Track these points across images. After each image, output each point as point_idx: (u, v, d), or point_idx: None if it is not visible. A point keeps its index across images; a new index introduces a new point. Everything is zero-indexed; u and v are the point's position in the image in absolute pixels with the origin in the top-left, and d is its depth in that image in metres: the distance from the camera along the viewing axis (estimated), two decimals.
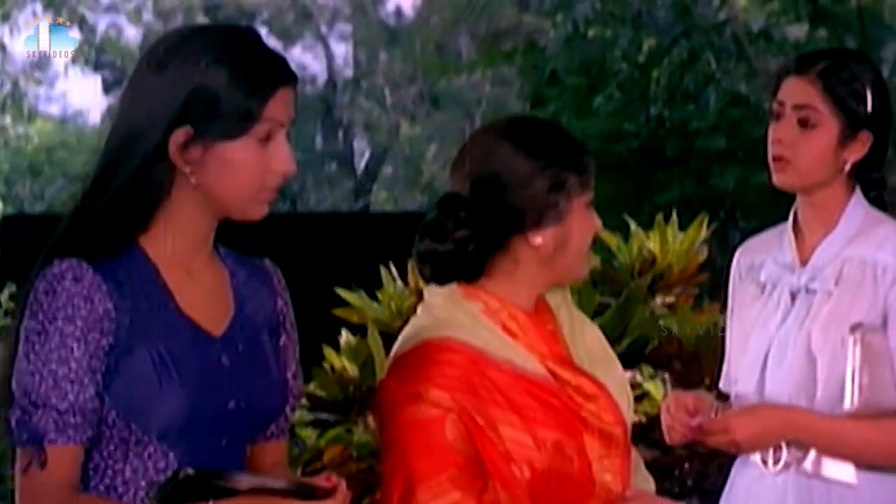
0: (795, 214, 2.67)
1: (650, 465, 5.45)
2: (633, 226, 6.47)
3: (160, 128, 1.95)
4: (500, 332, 2.21)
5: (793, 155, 2.57)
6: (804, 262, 2.61)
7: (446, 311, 2.22)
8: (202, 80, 1.94)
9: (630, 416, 2.34)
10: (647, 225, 6.48)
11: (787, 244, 2.65)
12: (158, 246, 2.00)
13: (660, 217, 6.36)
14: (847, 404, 2.49)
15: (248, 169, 1.98)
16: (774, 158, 2.59)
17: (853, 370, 2.48)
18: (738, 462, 2.69)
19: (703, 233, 6.38)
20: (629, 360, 5.37)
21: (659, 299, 6.15)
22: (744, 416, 2.51)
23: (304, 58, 28.17)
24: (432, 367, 2.15)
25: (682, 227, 6.38)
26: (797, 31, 12.73)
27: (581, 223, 2.26)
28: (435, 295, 2.26)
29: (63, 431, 1.92)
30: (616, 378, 2.36)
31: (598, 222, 2.30)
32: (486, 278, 2.25)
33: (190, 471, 1.87)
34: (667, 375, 5.48)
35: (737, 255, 2.76)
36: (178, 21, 26.39)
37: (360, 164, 26.14)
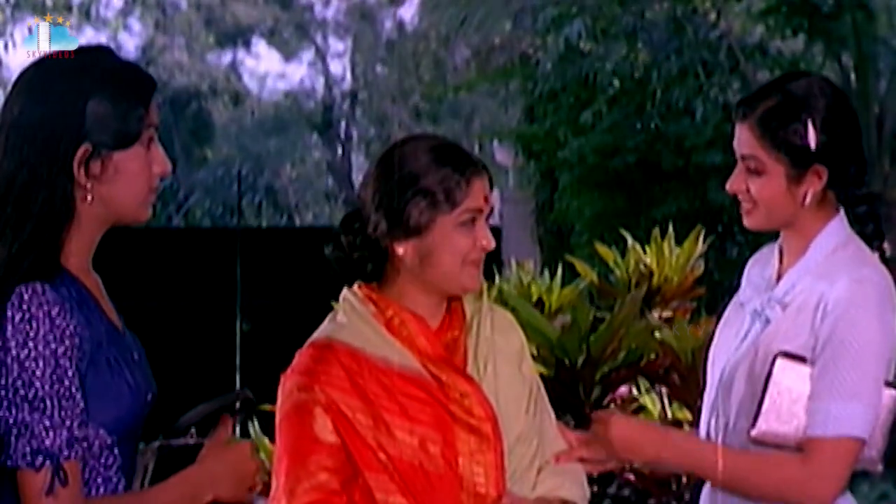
0: (782, 236, 2.69)
1: (647, 479, 5.46)
2: (629, 240, 6.49)
3: (61, 151, 2.09)
4: (383, 331, 2.41)
5: (751, 201, 2.59)
6: (777, 284, 2.62)
7: (343, 315, 2.45)
8: (92, 102, 2.10)
9: (527, 419, 2.47)
10: (643, 239, 6.49)
11: (771, 263, 2.66)
12: (72, 260, 2.12)
13: (656, 231, 6.37)
14: (752, 430, 2.49)
15: (140, 174, 2.16)
16: (741, 204, 2.62)
17: (766, 397, 2.47)
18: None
19: (700, 247, 6.39)
20: (625, 373, 5.38)
21: (656, 313, 6.15)
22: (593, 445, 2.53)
23: (302, 72, 28.20)
24: (311, 365, 2.39)
25: (679, 241, 6.39)
26: (793, 46, 12.76)
27: (447, 240, 2.39)
28: (343, 299, 2.48)
29: (73, 446, 2.03)
30: (517, 386, 2.49)
31: (483, 241, 2.41)
32: (383, 283, 2.46)
33: (155, 444, 2.17)
34: (664, 390, 5.49)
35: (745, 269, 2.77)
36: (179, 34, 26.43)
37: (358, 179, 26.15)
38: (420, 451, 2.35)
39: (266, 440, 5.67)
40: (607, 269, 6.62)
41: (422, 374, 2.40)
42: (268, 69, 28.74)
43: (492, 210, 2.46)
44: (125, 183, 2.13)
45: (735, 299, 2.71)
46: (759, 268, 2.70)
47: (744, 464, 2.48)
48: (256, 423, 5.68)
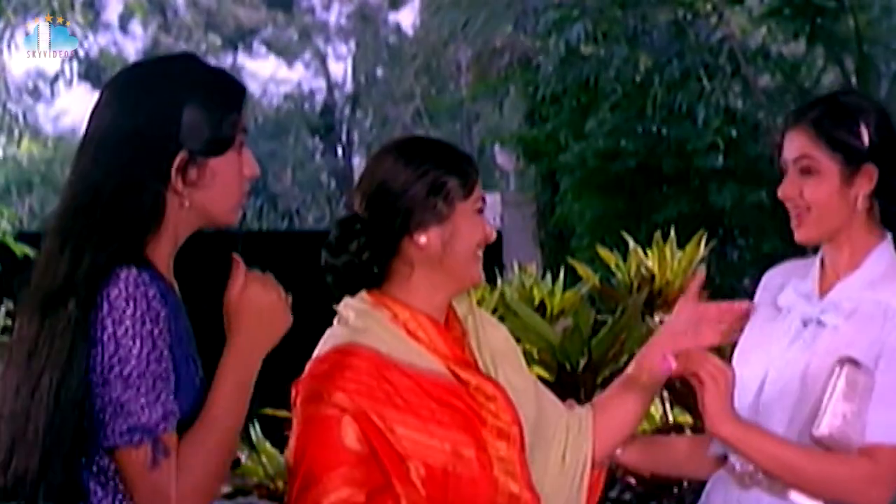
0: (823, 252, 2.72)
1: (648, 482, 5.46)
2: (631, 244, 6.49)
3: (159, 160, 2.10)
4: (404, 336, 2.37)
5: (804, 206, 2.62)
6: (822, 295, 2.65)
7: (357, 320, 2.39)
8: (187, 110, 2.12)
9: (536, 406, 2.49)
10: (645, 243, 6.49)
11: (811, 275, 2.69)
12: (157, 257, 2.13)
13: (658, 235, 6.38)
14: (815, 430, 2.50)
15: (235, 178, 2.18)
16: (792, 214, 2.65)
17: (830, 399, 2.50)
18: (713, 478, 2.70)
19: (702, 250, 6.40)
20: None
21: (657, 316, 6.15)
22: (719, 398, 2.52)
23: (303, 75, 28.21)
24: (336, 371, 2.30)
25: (681, 244, 6.40)
26: (795, 49, 12.75)
27: (466, 226, 2.40)
28: (347, 307, 2.43)
29: (168, 419, 2.04)
30: (523, 377, 2.52)
31: (488, 230, 2.44)
32: (389, 285, 2.41)
33: None
34: (665, 394, 5.48)
35: (764, 277, 2.80)
36: (180, 37, 26.44)
37: None
38: (453, 457, 2.31)
39: (267, 444, 5.66)
40: (609, 273, 6.63)
41: (449, 378, 2.37)
42: (269, 73, 28.75)
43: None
44: (220, 188, 2.15)
45: (764, 302, 2.72)
46: (791, 276, 2.73)
47: (811, 458, 2.51)
48: (258, 426, 5.67)
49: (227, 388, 2.11)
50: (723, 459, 2.66)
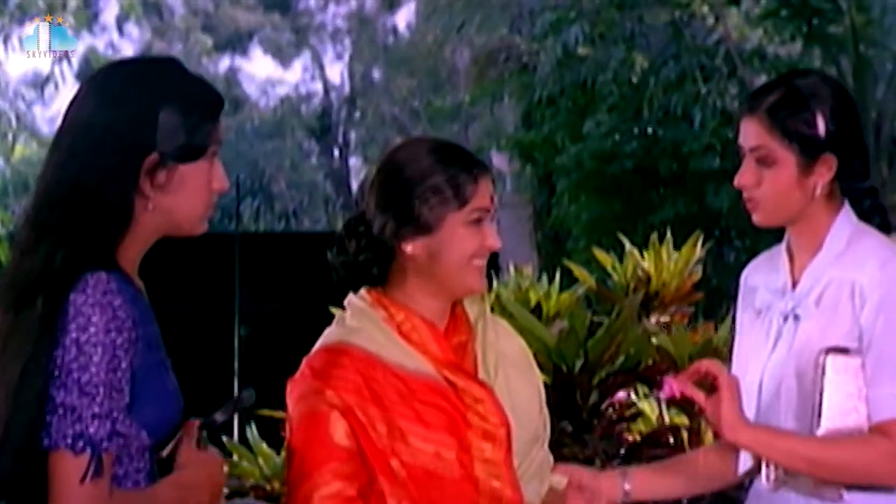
0: (789, 236, 2.68)
1: None
2: (627, 245, 6.50)
3: (131, 158, 2.10)
4: (396, 336, 2.39)
5: (760, 195, 2.58)
6: (794, 286, 2.62)
7: (353, 320, 2.42)
8: (164, 112, 2.12)
9: (540, 421, 2.51)
10: (641, 245, 6.50)
11: (780, 267, 2.66)
12: (126, 260, 2.14)
13: (654, 236, 6.38)
14: (818, 430, 2.50)
15: (202, 187, 2.18)
16: (747, 200, 2.61)
17: (822, 395, 2.48)
18: (753, 487, 2.69)
19: (698, 252, 6.40)
20: (622, 378, 5.38)
21: (654, 318, 6.16)
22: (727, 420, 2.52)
23: (300, 77, 28.21)
24: (325, 369, 2.35)
25: (677, 246, 6.40)
26: (791, 50, 12.77)
27: (456, 237, 2.39)
28: (349, 305, 2.46)
29: (112, 439, 2.03)
30: (531, 389, 2.52)
31: (489, 240, 2.42)
32: (389, 286, 2.44)
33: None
34: (661, 395, 5.49)
35: (742, 277, 2.76)
36: (177, 39, 26.45)
37: (356, 184, 26.15)
38: (434, 458, 2.34)
39: (263, 445, 5.67)
40: (605, 275, 6.64)
41: (438, 379, 2.39)
42: (266, 75, 28.75)
43: (495, 211, 2.47)
44: (187, 196, 2.15)
45: (745, 307, 2.71)
46: (763, 273, 2.69)
47: (830, 448, 2.50)
48: (255, 427, 5.68)
49: (168, 496, 2.12)
50: (757, 468, 2.65)
